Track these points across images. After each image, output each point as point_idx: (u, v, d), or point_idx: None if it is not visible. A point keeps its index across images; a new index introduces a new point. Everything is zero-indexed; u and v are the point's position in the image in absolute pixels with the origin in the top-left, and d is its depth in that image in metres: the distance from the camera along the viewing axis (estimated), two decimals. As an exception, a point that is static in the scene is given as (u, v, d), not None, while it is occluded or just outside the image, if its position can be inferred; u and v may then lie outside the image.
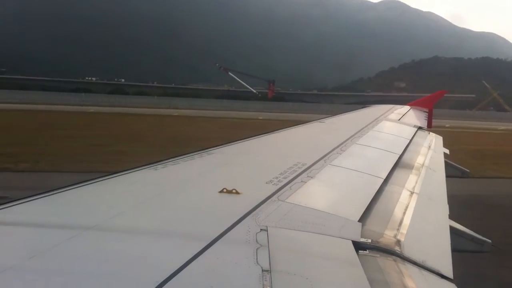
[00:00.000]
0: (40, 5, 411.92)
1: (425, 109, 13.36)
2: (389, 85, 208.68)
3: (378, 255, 2.52)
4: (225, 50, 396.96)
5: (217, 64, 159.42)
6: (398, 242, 2.80)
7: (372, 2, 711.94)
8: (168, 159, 4.37)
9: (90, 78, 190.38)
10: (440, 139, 9.08)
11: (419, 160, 6.03)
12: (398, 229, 3.06)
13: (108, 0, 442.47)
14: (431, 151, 7.22)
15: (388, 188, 4.08)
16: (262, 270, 1.95)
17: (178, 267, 1.87)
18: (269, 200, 3.05)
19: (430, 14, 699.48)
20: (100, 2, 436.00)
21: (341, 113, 12.34)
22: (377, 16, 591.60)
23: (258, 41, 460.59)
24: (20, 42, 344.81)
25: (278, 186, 3.41)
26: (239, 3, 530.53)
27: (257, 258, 2.06)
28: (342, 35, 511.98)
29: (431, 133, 9.57)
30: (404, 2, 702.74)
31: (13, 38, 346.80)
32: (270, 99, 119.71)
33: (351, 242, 2.48)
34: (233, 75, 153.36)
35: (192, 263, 1.94)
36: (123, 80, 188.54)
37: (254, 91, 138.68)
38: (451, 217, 3.90)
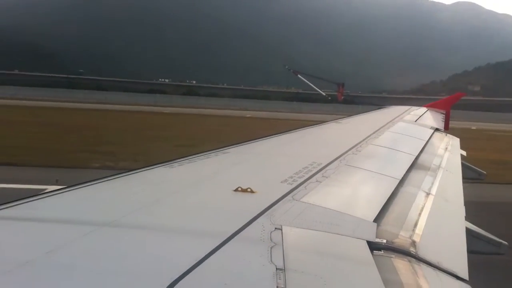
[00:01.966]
0: (115, 10, 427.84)
1: (442, 111, 13.23)
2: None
3: (393, 256, 2.52)
4: (294, 51, 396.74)
5: (287, 66, 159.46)
6: (413, 243, 2.78)
7: (445, 4, 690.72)
8: (184, 157, 4.43)
9: (163, 80, 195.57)
10: (457, 140, 8.95)
11: (436, 161, 5.97)
12: (413, 230, 3.05)
13: (176, 3, 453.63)
14: (447, 152, 7.15)
15: (403, 189, 4.06)
16: (276, 268, 1.96)
17: (193, 264, 1.89)
18: (284, 199, 3.05)
19: (506, 16, 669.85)
20: (171, 6, 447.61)
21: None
22: (450, 17, 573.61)
23: (324, 47, 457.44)
24: (97, 44, 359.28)
25: (293, 186, 3.42)
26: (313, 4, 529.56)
27: (271, 257, 2.07)
28: (413, 36, 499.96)
29: (448, 134, 9.45)
30: (478, 3, 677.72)
31: (91, 41, 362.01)
32: (339, 101, 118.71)
33: (365, 242, 2.49)
34: (302, 78, 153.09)
35: (206, 260, 1.96)
36: (194, 81, 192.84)
37: (324, 93, 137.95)
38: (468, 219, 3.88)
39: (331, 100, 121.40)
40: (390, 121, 9.43)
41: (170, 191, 3.23)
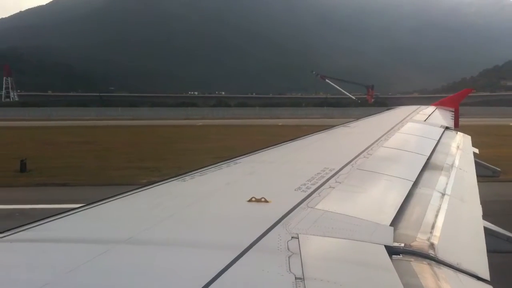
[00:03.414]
0: (141, 28, 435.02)
1: (451, 109, 13.09)
2: (494, 84, 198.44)
3: (411, 259, 2.49)
4: (321, 56, 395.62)
5: (314, 72, 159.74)
6: (432, 245, 2.75)
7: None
8: (196, 170, 4.41)
9: (192, 92, 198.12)
10: (468, 138, 8.88)
11: (448, 160, 5.90)
12: (431, 232, 3.01)
13: (200, 16, 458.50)
14: (460, 151, 7.06)
15: (418, 190, 4.02)
16: (295, 277, 1.95)
17: (212, 277, 1.89)
18: (299, 207, 3.04)
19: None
20: (195, 19, 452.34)
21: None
22: (475, 11, 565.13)
23: (349, 43, 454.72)
24: (125, 61, 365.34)
25: (307, 193, 3.40)
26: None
27: (289, 266, 2.06)
28: (438, 32, 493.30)
29: (459, 132, 9.34)
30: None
31: (119, 58, 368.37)
32: (370, 104, 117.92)
33: (383, 246, 2.46)
34: (330, 82, 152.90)
35: (225, 272, 1.95)
36: (223, 92, 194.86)
37: (353, 97, 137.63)
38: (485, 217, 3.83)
39: (361, 103, 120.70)
40: (399, 122, 9.38)
41: (184, 205, 3.22)
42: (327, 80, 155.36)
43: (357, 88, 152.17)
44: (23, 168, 24.55)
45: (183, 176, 4.15)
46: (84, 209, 3.11)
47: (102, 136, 44.67)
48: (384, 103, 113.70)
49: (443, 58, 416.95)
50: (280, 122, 65.28)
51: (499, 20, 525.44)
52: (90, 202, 3.25)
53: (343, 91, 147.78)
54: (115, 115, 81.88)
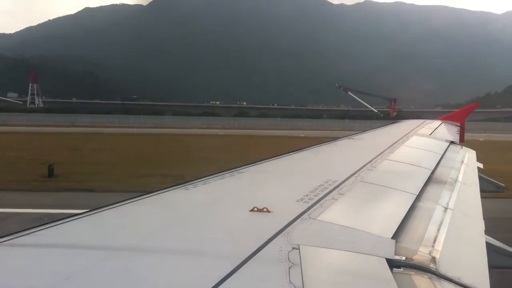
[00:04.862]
0: (165, 38, 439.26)
1: (457, 123, 13.05)
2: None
3: (412, 273, 2.47)
4: (340, 70, 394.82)
5: (337, 84, 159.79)
6: (433, 259, 2.73)
7: (496, 14, 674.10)
8: (199, 179, 4.40)
9: (214, 102, 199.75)
10: (473, 153, 8.79)
11: (452, 175, 5.83)
12: (432, 246, 2.99)
13: (219, 27, 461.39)
14: (464, 165, 6.99)
15: (421, 204, 3.99)
16: None
17: (212, 286, 1.89)
18: (300, 218, 3.03)
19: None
20: (217, 32, 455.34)
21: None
22: (501, 27, 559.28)
23: (376, 60, 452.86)
24: (146, 71, 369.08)
25: (309, 204, 3.38)
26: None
27: (289, 277, 2.06)
28: (464, 48, 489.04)
29: (464, 147, 9.25)
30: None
31: (141, 67, 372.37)
32: (392, 118, 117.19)
33: (384, 259, 2.45)
34: (353, 95, 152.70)
35: (225, 282, 1.95)
36: (244, 103, 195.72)
37: (375, 110, 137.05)
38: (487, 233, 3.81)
39: (383, 116, 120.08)
40: (405, 135, 9.35)
41: (186, 213, 3.22)
42: (349, 93, 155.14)
43: (379, 101, 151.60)
44: (50, 173, 25.14)
45: (185, 184, 4.16)
46: (86, 215, 3.12)
47: (125, 143, 45.50)
48: (406, 117, 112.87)
49: (468, 74, 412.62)
50: (301, 133, 65.27)
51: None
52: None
53: (365, 104, 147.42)
54: (138, 123, 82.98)
